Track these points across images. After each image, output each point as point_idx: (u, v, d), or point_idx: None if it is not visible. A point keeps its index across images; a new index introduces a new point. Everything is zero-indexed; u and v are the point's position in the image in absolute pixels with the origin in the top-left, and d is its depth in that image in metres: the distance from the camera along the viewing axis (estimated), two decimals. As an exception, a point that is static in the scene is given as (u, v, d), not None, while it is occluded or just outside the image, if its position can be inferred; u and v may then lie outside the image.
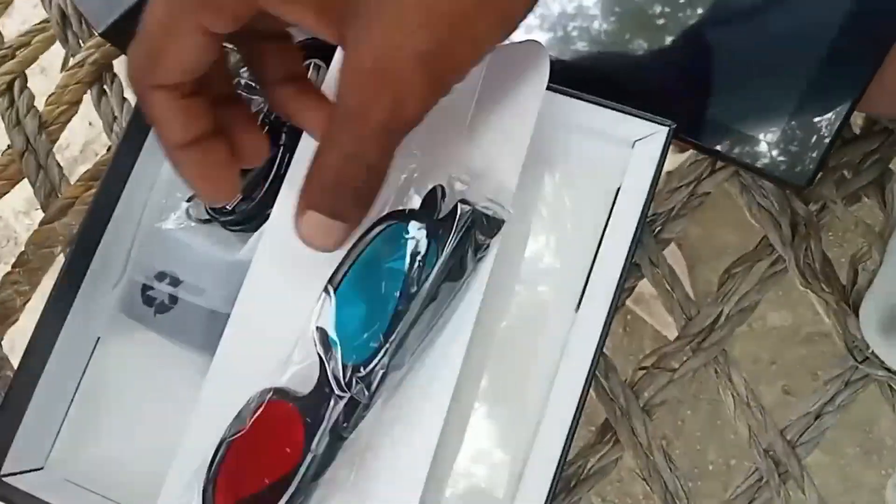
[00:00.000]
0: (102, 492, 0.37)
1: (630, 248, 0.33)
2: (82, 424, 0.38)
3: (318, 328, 0.29)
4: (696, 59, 0.37)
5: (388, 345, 0.29)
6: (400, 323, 0.29)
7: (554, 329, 0.35)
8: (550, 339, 0.35)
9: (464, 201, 0.30)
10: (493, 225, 0.30)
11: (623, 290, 0.34)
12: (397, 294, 0.29)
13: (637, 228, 0.33)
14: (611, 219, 0.34)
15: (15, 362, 0.38)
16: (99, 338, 0.39)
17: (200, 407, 0.32)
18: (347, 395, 0.29)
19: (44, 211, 0.45)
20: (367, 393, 0.29)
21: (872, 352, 0.37)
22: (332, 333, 0.29)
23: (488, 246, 0.31)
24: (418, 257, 0.29)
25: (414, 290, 0.29)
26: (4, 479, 0.36)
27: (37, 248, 0.44)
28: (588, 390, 0.33)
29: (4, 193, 0.47)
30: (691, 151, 0.40)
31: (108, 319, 0.38)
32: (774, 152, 0.35)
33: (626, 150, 0.34)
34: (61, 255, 0.44)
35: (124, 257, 0.39)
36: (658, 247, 0.39)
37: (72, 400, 0.39)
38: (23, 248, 0.44)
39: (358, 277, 0.30)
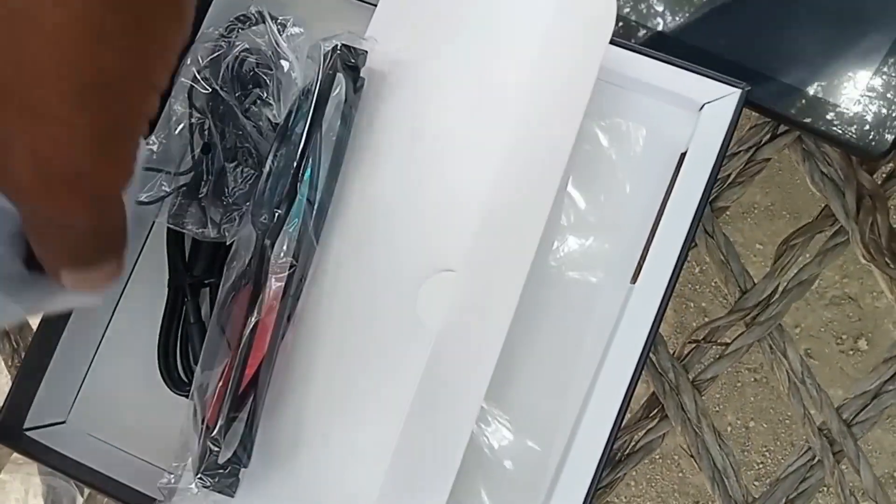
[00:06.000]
0: (125, 446, 0.36)
1: (694, 218, 0.31)
2: (106, 378, 0.37)
3: None
4: (767, 17, 0.34)
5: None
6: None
7: (608, 300, 0.33)
8: (603, 309, 0.33)
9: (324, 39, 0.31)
10: (357, 56, 0.31)
11: (684, 263, 0.32)
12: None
13: (703, 198, 0.31)
14: (674, 186, 0.32)
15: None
16: (122, 290, 0.37)
17: None
18: None
19: None
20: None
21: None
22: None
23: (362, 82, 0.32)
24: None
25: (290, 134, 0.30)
26: (27, 432, 0.35)
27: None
28: (643, 365, 0.32)
29: None
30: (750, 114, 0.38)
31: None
32: (848, 119, 0.33)
33: (694, 113, 0.32)
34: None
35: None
36: (713, 215, 0.37)
37: (95, 353, 0.37)
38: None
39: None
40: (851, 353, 0.86)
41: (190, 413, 0.30)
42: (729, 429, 0.88)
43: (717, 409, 0.88)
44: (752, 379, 0.87)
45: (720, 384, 0.88)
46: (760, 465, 0.87)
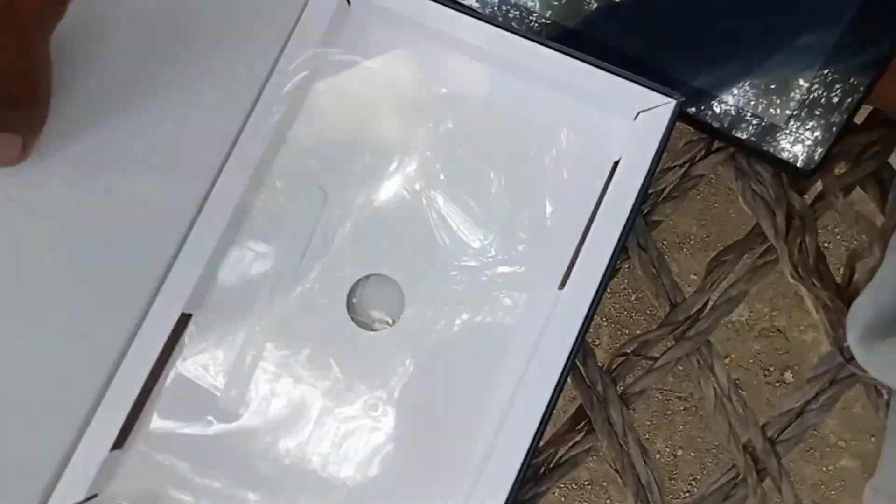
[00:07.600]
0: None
1: (626, 225, 0.31)
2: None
3: None
4: (701, 32, 0.34)
5: None
6: None
7: (535, 305, 0.32)
8: (529, 316, 0.32)
9: None
10: None
11: (614, 270, 0.31)
12: None
13: (635, 205, 0.31)
14: (606, 193, 0.31)
15: None
16: None
17: None
18: None
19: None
20: None
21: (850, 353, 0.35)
22: None
23: None
24: None
25: None
26: None
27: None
28: (568, 373, 0.31)
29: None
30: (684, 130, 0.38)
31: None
32: (779, 135, 0.33)
33: (628, 122, 0.32)
34: None
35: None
36: (647, 229, 0.37)
37: None
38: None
39: None
40: (778, 384, 0.88)
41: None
42: (658, 456, 0.88)
43: (647, 436, 0.88)
44: (682, 408, 0.87)
45: (650, 412, 0.88)
46: (687, 494, 0.87)
